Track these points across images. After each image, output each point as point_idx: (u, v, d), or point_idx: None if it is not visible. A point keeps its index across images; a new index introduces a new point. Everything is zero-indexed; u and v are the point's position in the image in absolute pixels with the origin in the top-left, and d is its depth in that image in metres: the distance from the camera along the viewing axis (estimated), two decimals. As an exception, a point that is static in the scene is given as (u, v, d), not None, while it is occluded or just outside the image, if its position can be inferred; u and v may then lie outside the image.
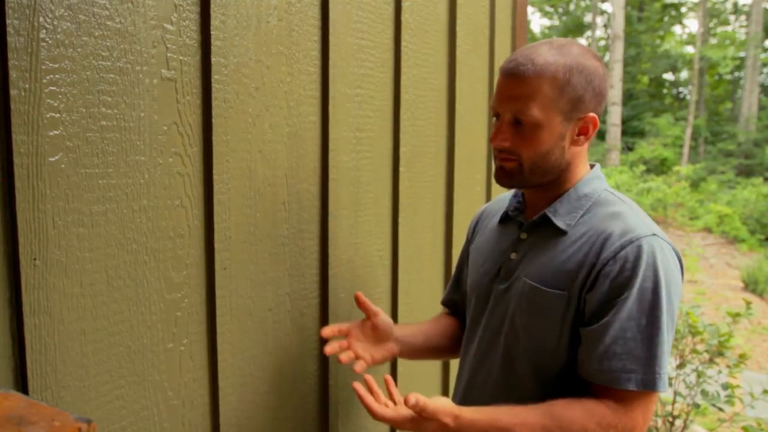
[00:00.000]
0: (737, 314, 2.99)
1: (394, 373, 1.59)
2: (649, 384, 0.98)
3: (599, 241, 1.03)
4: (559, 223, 1.09)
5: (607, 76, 1.09)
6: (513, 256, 1.15)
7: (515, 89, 1.04)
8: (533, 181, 1.10)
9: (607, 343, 0.99)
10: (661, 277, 0.99)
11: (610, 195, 1.11)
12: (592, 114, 1.06)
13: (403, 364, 1.61)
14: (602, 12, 21.45)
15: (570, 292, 1.04)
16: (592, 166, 1.16)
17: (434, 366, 1.82)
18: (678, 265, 1.04)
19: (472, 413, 1.01)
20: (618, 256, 1.00)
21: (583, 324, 1.04)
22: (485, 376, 1.17)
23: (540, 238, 1.12)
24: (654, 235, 1.02)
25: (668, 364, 1.02)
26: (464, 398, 1.21)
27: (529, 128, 1.04)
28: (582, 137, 1.08)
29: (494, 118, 1.11)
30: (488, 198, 2.07)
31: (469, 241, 1.36)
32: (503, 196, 1.31)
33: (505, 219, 1.22)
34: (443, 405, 0.99)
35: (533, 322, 1.08)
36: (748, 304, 3.00)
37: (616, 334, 0.99)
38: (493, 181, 2.09)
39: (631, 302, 0.99)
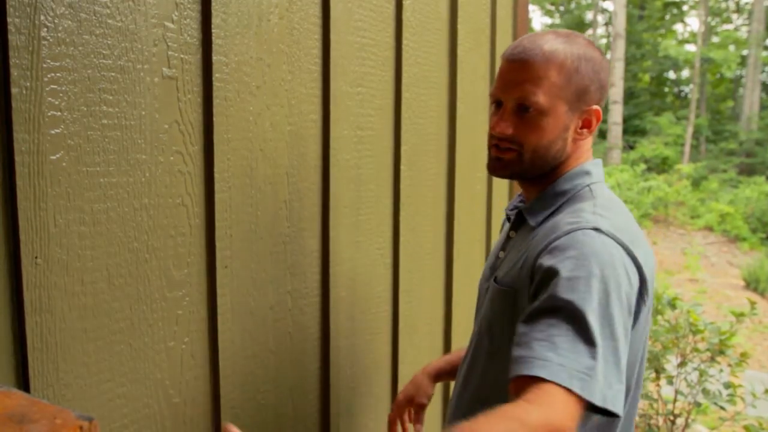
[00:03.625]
0: (741, 314, 2.99)
1: (395, 373, 1.59)
2: (564, 379, 0.79)
3: (544, 239, 0.97)
4: (530, 220, 1.06)
5: (609, 70, 1.06)
6: (501, 255, 1.13)
7: (521, 74, 1.00)
8: (532, 173, 1.05)
9: (527, 331, 0.87)
10: (594, 267, 0.87)
11: (587, 192, 1.03)
12: (595, 107, 1.03)
13: (404, 363, 1.61)
14: (603, 10, 21.43)
15: (516, 289, 1.00)
16: None
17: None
18: (625, 265, 0.91)
19: None
20: (550, 246, 0.94)
21: None
22: (466, 376, 1.14)
23: (520, 236, 1.08)
24: (596, 229, 0.92)
25: (614, 377, 0.84)
26: (455, 399, 1.19)
27: (533, 115, 0.99)
28: (585, 130, 1.04)
29: (493, 107, 1.06)
30: (489, 196, 2.07)
31: None
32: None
33: (509, 218, 1.20)
34: None
35: (491, 321, 1.06)
36: (753, 303, 3.00)
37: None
38: (495, 179, 2.10)
39: (557, 289, 0.87)
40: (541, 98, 0.98)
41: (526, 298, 0.97)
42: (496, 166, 1.06)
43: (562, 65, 0.99)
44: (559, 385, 0.79)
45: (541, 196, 1.06)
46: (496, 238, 2.14)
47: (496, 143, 1.04)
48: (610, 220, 0.95)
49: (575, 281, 0.86)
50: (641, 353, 1.03)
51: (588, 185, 1.04)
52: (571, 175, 1.05)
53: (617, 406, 0.83)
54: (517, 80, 1.00)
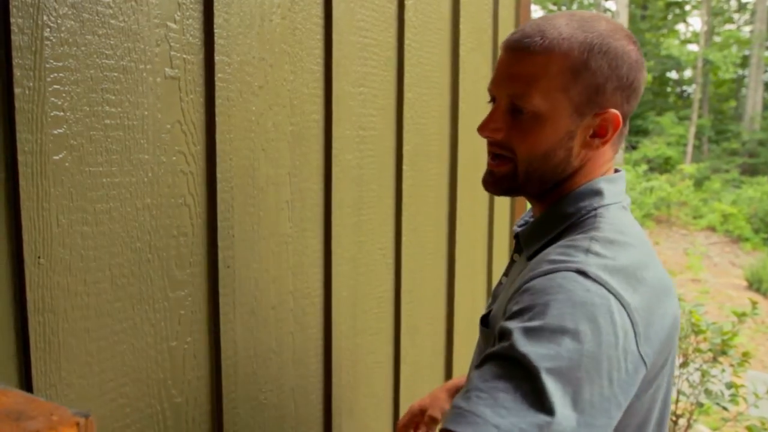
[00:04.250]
0: (743, 314, 2.98)
1: (397, 373, 1.59)
2: None
3: (526, 275, 0.80)
4: (525, 250, 0.90)
5: (641, 66, 0.85)
6: (503, 280, 0.97)
7: (515, 67, 0.83)
8: (531, 190, 0.88)
9: (473, 377, 0.71)
10: (567, 319, 0.70)
11: (592, 219, 0.84)
12: (614, 111, 0.83)
13: (405, 363, 1.61)
14: (606, 10, 21.40)
15: (494, 331, 0.80)
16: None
17: (438, 371, 1.82)
18: (613, 318, 0.71)
19: None
20: (524, 287, 0.76)
21: None
22: None
23: (518, 265, 0.92)
24: (579, 271, 0.74)
25: None
26: None
27: (528, 119, 0.83)
28: (597, 139, 0.84)
29: (491, 103, 0.89)
30: (491, 196, 2.06)
31: None
32: None
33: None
34: None
35: (475, 363, 0.90)
36: (754, 303, 2.99)
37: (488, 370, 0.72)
38: (497, 179, 2.10)
39: (516, 336, 0.70)
40: (536, 99, 0.81)
41: None
42: (488, 182, 0.90)
43: (566, 57, 0.80)
44: None
45: (541, 219, 0.89)
46: (499, 238, 2.14)
47: (490, 150, 0.89)
48: (606, 259, 0.76)
49: (540, 333, 0.69)
50: (654, 419, 0.84)
51: (596, 209, 0.85)
52: (577, 195, 0.86)
53: None
54: (509, 74, 0.84)
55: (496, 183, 0.89)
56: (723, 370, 2.93)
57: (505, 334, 0.72)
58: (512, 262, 0.98)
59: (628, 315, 0.73)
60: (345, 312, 1.37)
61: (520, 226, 0.99)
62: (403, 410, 1.62)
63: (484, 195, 2.01)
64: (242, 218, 1.08)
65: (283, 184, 1.17)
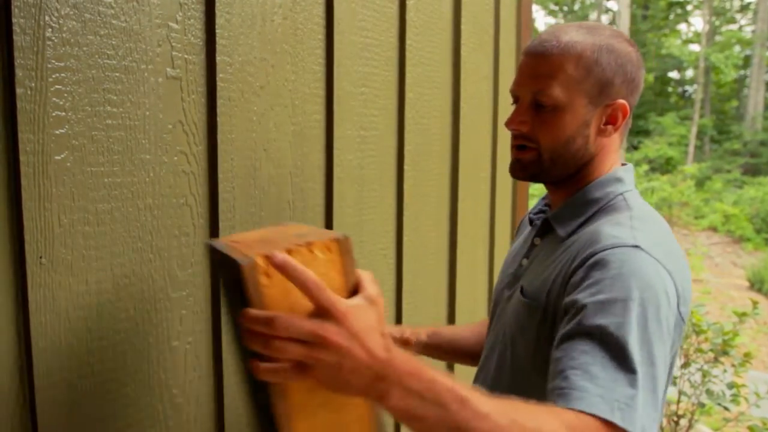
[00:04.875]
0: (743, 314, 2.98)
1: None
2: (605, 411, 0.74)
3: (582, 252, 0.90)
4: (559, 230, 1.01)
5: (641, 65, 1.01)
6: (524, 262, 1.08)
7: (537, 68, 0.97)
8: (554, 175, 1.01)
9: (561, 357, 0.81)
10: (633, 290, 0.82)
11: (621, 201, 0.98)
12: (622, 101, 0.98)
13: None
14: (607, 10, 21.40)
15: (546, 306, 0.94)
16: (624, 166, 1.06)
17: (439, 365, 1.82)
18: (665, 285, 0.85)
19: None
20: (587, 264, 0.87)
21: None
22: (480, 386, 1.10)
23: (547, 245, 1.03)
24: (636, 247, 0.86)
25: (651, 405, 0.79)
26: None
27: (550, 111, 0.96)
28: (610, 127, 0.99)
29: (513, 104, 1.03)
30: (492, 197, 2.06)
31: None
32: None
33: (532, 222, 1.16)
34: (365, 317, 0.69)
35: (516, 337, 1.00)
36: (755, 303, 2.99)
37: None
38: (498, 180, 2.10)
39: (591, 310, 0.82)
40: (556, 93, 0.95)
41: (555, 314, 0.91)
42: (516, 168, 1.03)
43: (580, 57, 0.95)
44: (599, 418, 0.74)
45: (569, 204, 1.02)
46: (500, 238, 2.14)
47: (515, 144, 1.02)
48: (648, 234, 0.89)
49: (612, 304, 0.81)
50: (671, 376, 0.97)
51: (621, 194, 1.00)
52: (603, 182, 1.01)
53: (635, 425, 0.76)
54: (532, 74, 0.98)
55: (523, 169, 1.02)
56: (725, 371, 2.93)
57: (579, 309, 0.83)
58: (533, 245, 1.09)
59: (672, 280, 0.87)
60: (346, 312, 1.37)
61: (536, 214, 1.14)
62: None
63: (486, 195, 2.02)
64: (244, 218, 1.08)
65: (284, 184, 1.17)
